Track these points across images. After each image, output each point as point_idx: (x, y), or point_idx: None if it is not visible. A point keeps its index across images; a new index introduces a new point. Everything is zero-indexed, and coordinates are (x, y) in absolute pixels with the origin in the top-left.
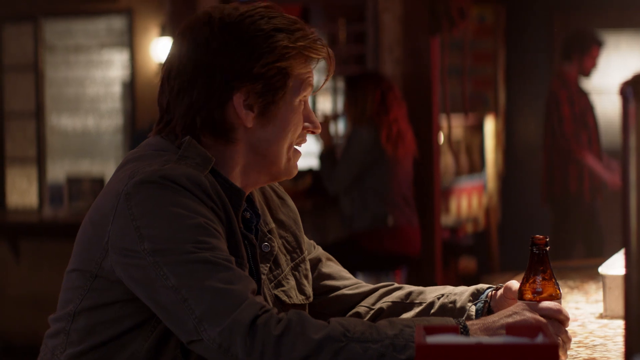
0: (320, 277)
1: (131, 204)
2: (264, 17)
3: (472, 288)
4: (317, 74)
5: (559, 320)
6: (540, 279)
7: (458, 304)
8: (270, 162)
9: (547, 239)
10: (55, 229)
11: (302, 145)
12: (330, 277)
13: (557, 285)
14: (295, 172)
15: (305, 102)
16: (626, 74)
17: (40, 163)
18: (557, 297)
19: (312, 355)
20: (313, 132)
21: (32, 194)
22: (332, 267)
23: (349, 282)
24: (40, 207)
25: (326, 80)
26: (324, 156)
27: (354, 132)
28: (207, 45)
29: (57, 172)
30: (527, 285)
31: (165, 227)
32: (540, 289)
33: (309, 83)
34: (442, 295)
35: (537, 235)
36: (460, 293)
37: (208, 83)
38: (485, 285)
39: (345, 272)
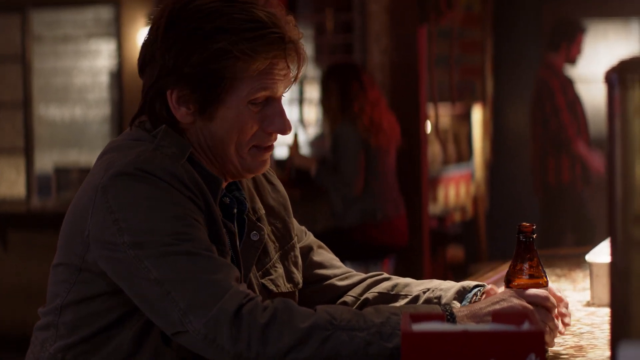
0: (311, 265)
1: (108, 197)
2: (214, 13)
3: (459, 285)
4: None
5: (546, 307)
6: (527, 266)
7: (443, 301)
8: (223, 159)
9: (534, 227)
10: (43, 219)
11: (269, 142)
12: (321, 265)
13: (544, 272)
14: (261, 170)
15: (272, 102)
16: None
17: (28, 153)
18: (544, 285)
19: (299, 344)
20: (280, 133)
21: (20, 185)
22: (323, 255)
23: (339, 270)
24: (28, 197)
25: (294, 80)
26: (320, 172)
27: (339, 130)
28: (155, 36)
29: (45, 162)
30: (514, 272)
31: (144, 219)
32: (527, 277)
33: (262, 86)
34: (428, 289)
35: (524, 223)
36: (447, 289)
37: (150, 74)
38: (472, 283)
39: (336, 261)
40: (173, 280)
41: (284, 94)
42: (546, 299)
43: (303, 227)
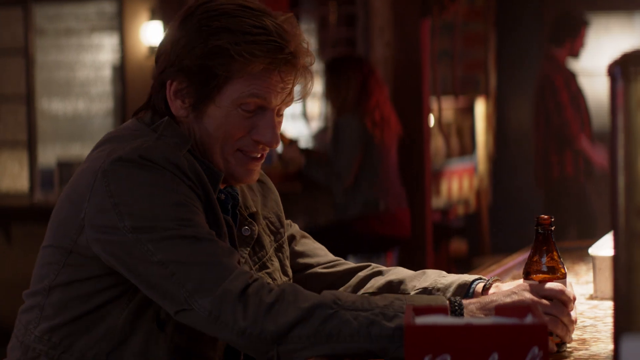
0: (293, 255)
1: (109, 182)
2: (224, 15)
3: (456, 284)
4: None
5: (561, 300)
6: (545, 259)
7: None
8: (209, 158)
9: (552, 219)
10: (46, 213)
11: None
12: (303, 254)
13: (562, 264)
14: (247, 179)
15: (264, 112)
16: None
17: (31, 147)
18: (561, 277)
19: (302, 320)
20: (265, 146)
21: (23, 179)
22: (307, 244)
23: (323, 259)
24: (31, 191)
25: (302, 97)
26: (310, 164)
27: (342, 121)
28: (170, 33)
29: (48, 156)
30: (532, 265)
31: (146, 204)
32: (545, 269)
33: (253, 91)
34: (425, 288)
35: (542, 216)
36: (444, 288)
37: (159, 66)
38: (470, 278)
39: (320, 250)
40: (178, 263)
41: (283, 109)
42: (561, 292)
43: (288, 220)
